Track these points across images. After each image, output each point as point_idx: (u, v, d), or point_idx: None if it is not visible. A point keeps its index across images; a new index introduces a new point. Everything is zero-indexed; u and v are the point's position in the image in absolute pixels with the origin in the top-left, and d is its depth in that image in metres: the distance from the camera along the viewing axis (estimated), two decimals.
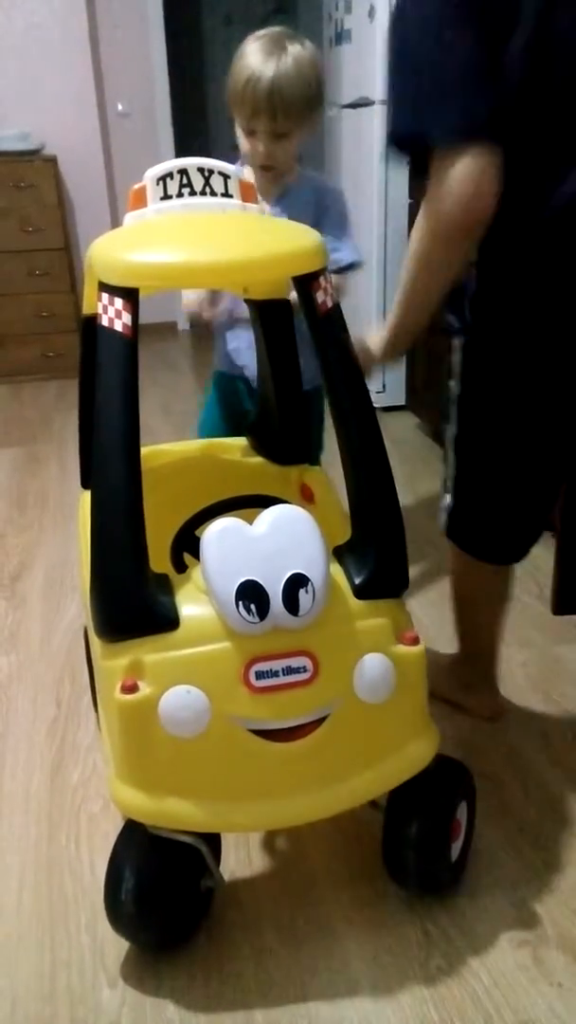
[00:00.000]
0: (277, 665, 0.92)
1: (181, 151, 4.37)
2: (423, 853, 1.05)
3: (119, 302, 0.93)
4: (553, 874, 1.18)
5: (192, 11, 5.80)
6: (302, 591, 0.90)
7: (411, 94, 1.02)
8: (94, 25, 3.99)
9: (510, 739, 1.46)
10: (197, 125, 5.89)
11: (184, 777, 0.93)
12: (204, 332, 4.75)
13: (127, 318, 0.93)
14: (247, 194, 1.08)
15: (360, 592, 0.98)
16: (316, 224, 1.69)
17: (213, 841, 1.03)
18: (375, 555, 0.99)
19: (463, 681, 1.50)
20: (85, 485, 1.31)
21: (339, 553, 1.02)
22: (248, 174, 1.63)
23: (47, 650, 1.78)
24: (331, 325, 0.98)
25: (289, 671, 0.92)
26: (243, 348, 1.64)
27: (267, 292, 1.24)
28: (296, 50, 1.42)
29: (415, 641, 0.99)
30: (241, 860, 1.21)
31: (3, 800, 1.37)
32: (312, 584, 0.91)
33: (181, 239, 0.97)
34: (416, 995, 1.01)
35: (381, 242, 2.98)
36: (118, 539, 0.93)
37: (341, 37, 3.16)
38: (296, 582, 0.90)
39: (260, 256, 0.94)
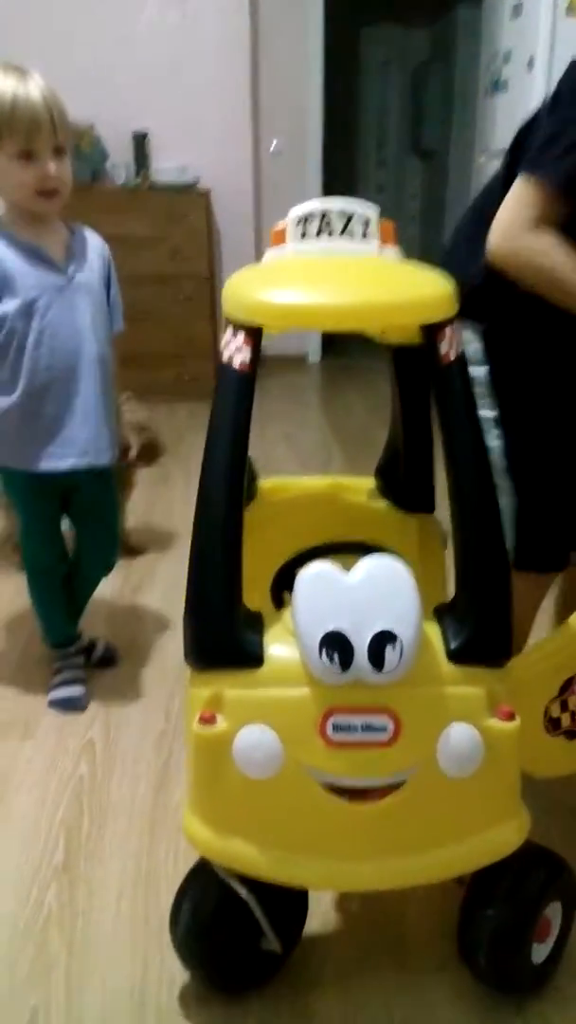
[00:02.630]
0: (356, 720, 0.89)
1: (328, 190, 4.45)
2: (497, 948, 0.97)
3: (240, 338, 0.95)
4: None
5: (350, 56, 5.94)
6: (389, 647, 0.87)
7: None
8: (256, 65, 4.16)
9: None
10: (345, 165, 6.01)
11: (251, 819, 0.92)
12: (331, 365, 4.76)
13: (246, 354, 0.94)
14: (387, 237, 1.07)
15: (455, 656, 0.93)
16: (107, 282, 1.59)
17: (279, 903, 1.00)
18: (476, 618, 0.94)
19: None
20: None
21: (440, 612, 0.98)
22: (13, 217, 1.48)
23: (161, 664, 1.83)
24: (453, 377, 0.95)
25: (368, 729, 0.89)
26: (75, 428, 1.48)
27: (404, 337, 1.22)
28: (34, 71, 1.40)
29: (511, 716, 0.92)
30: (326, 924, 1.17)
31: (109, 807, 1.42)
32: (401, 641, 0.87)
33: (308, 281, 0.97)
34: None
35: None
36: (213, 572, 0.94)
37: (498, 86, 3.23)
38: (384, 637, 0.87)
39: (382, 302, 0.93)
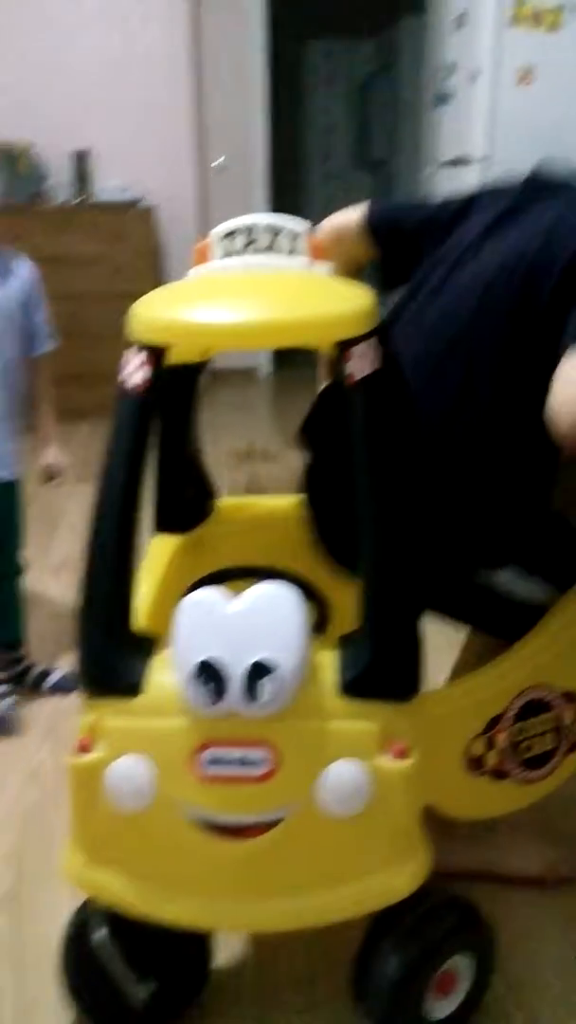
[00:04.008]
0: (232, 754, 0.85)
1: (275, 206, 4.38)
2: (383, 996, 0.91)
3: (139, 356, 0.93)
4: None
5: (294, 69, 5.92)
6: (265, 678, 0.83)
7: None
8: (199, 81, 4.10)
9: None
10: (291, 181, 5.96)
11: (121, 852, 0.89)
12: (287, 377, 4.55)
13: (144, 374, 0.92)
14: (318, 252, 1.04)
15: (347, 689, 0.88)
16: (27, 306, 1.63)
17: (162, 953, 0.97)
18: (372, 650, 0.89)
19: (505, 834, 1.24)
20: (158, 528, 1.32)
21: (343, 641, 0.93)
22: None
23: None
24: (359, 399, 0.90)
25: (244, 763, 0.85)
26: None
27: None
28: None
29: (403, 755, 0.87)
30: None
31: (57, 833, 1.37)
32: (279, 672, 0.83)
33: (211, 298, 0.94)
34: None
35: None
36: (99, 597, 0.91)
37: (443, 98, 3.18)
38: (260, 668, 0.83)
39: (278, 320, 0.89)
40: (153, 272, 3.82)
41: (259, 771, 0.85)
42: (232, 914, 0.89)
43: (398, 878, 0.89)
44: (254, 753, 0.85)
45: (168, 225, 3.93)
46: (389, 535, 0.90)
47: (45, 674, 1.78)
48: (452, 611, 1.14)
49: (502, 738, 1.01)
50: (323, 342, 0.92)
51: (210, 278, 1.00)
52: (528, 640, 1.05)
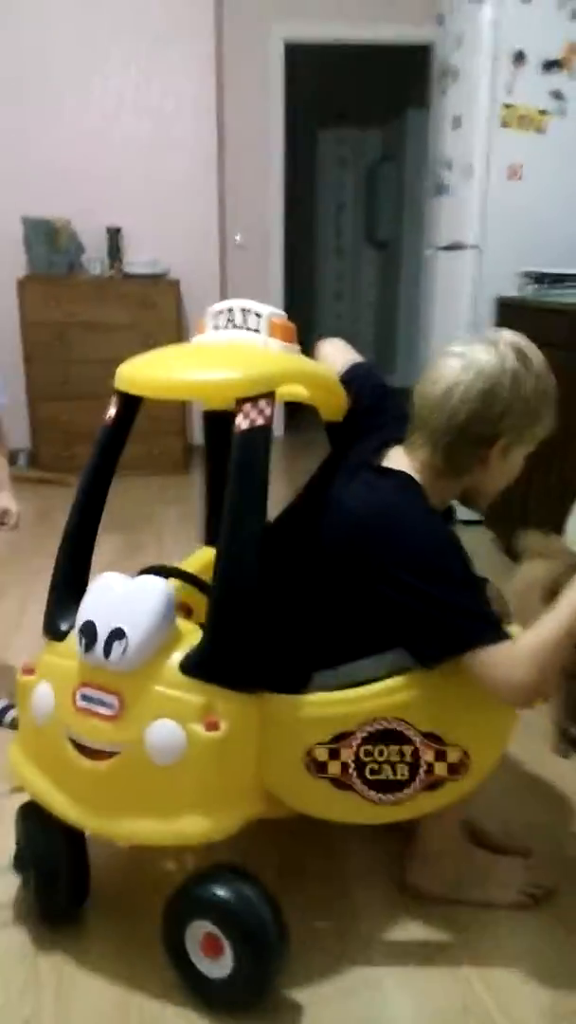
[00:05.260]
0: (94, 695, 1.15)
1: (288, 279, 4.69)
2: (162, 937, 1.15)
3: (114, 398, 1.29)
4: None
5: (309, 153, 6.44)
6: (116, 642, 1.12)
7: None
8: (222, 165, 4.34)
9: None
10: (305, 254, 6.39)
11: (34, 752, 1.23)
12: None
13: (111, 411, 1.28)
14: (277, 331, 1.27)
15: (184, 668, 1.12)
16: None
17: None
18: (209, 642, 1.12)
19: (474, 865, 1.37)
20: (205, 542, 1.65)
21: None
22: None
23: None
24: (239, 445, 1.13)
25: (101, 703, 1.14)
26: None
27: (331, 414, 1.40)
28: None
29: (214, 727, 1.09)
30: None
31: None
32: (127, 640, 1.12)
33: (167, 361, 1.26)
34: None
35: None
36: (58, 567, 1.28)
37: (441, 189, 3.43)
38: (116, 634, 1.12)
39: (183, 379, 1.18)
40: (178, 338, 4.04)
41: (109, 712, 1.14)
42: (85, 816, 1.17)
43: (190, 826, 1.10)
44: (108, 697, 1.14)
45: (192, 297, 4.22)
46: (237, 555, 1.12)
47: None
48: None
49: (347, 753, 1.15)
50: (222, 398, 1.18)
51: (185, 346, 1.31)
52: (391, 680, 1.16)
